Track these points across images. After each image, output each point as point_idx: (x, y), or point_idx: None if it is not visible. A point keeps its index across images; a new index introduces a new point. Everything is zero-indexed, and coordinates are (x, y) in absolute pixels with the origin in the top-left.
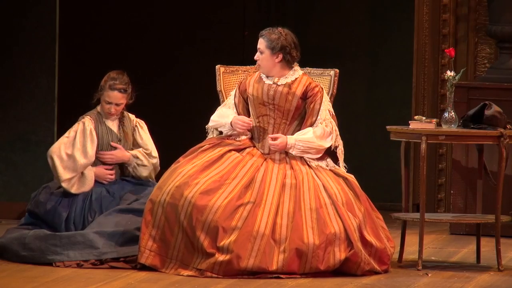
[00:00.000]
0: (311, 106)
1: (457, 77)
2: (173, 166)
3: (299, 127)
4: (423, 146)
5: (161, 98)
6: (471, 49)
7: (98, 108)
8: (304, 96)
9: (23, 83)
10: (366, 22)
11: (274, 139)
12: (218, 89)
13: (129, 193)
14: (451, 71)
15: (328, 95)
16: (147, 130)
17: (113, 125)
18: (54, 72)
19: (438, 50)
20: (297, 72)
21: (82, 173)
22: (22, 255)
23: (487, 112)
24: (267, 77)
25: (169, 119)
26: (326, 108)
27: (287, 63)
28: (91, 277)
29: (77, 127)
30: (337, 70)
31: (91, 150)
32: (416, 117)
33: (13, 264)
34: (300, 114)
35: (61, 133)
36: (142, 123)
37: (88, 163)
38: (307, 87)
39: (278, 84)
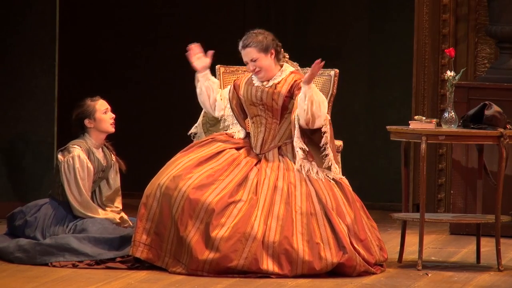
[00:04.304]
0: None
1: (457, 77)
2: (170, 160)
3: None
4: (423, 146)
5: (160, 98)
6: (471, 49)
7: (87, 138)
8: (291, 94)
9: (23, 82)
10: (366, 22)
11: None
12: None
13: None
14: (451, 71)
15: (328, 95)
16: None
17: (98, 153)
18: (54, 72)
19: (438, 50)
20: (285, 71)
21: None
22: (17, 256)
23: (487, 112)
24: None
25: (168, 118)
26: None
27: (277, 58)
28: (91, 277)
29: (73, 163)
30: (337, 70)
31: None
32: (416, 117)
33: (13, 264)
34: (290, 113)
35: (61, 133)
36: (122, 163)
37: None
38: (292, 85)
39: (266, 86)
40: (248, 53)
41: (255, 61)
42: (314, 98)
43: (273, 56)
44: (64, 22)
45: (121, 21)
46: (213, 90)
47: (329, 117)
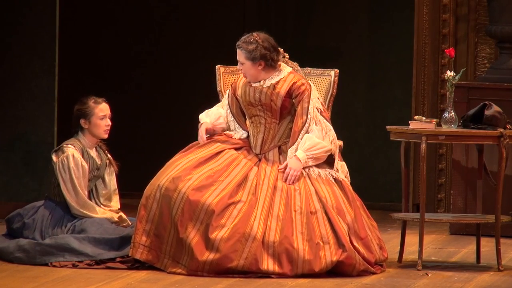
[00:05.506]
0: (299, 105)
1: (457, 77)
2: (169, 161)
3: (291, 125)
4: (423, 146)
5: (160, 98)
6: (471, 49)
7: (80, 138)
8: (290, 95)
9: (23, 83)
10: (366, 22)
11: (284, 170)
12: (218, 89)
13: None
14: (451, 71)
15: (328, 95)
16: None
17: (93, 152)
18: (54, 72)
19: (438, 50)
20: (283, 72)
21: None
22: (16, 256)
23: (487, 112)
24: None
25: (169, 119)
26: (314, 106)
27: (271, 67)
28: (91, 277)
29: (67, 162)
30: (337, 70)
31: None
32: (416, 117)
33: (13, 264)
34: (290, 113)
35: (61, 133)
36: (114, 163)
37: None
38: (291, 86)
39: (264, 86)
40: (238, 54)
41: (242, 64)
42: (316, 157)
43: (261, 66)
44: (64, 22)
45: (121, 21)
46: (219, 116)
47: (336, 143)
